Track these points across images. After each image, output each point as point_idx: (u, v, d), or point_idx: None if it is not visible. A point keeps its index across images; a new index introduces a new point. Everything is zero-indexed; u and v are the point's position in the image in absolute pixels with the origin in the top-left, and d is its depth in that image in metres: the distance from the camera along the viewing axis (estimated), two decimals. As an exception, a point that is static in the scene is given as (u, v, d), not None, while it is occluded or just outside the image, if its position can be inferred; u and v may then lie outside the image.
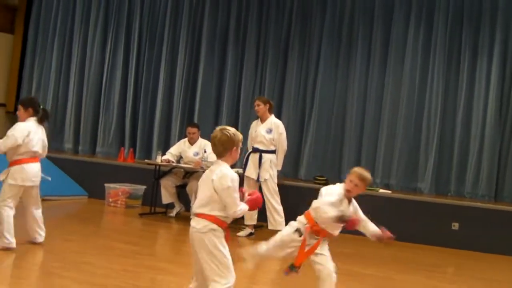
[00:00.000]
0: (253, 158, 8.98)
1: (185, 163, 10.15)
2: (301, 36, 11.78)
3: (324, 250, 5.06)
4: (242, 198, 4.44)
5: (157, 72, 12.70)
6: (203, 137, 10.14)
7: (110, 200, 10.69)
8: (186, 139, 10.43)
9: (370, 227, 5.25)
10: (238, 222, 8.80)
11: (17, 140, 6.60)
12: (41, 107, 6.92)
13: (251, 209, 4.48)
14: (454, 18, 10.87)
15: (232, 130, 4.43)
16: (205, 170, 4.53)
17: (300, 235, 5.00)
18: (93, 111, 13.12)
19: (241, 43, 12.19)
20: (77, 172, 11.55)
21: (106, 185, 10.77)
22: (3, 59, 13.97)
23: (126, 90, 12.92)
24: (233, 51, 12.18)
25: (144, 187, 10.86)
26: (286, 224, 5.36)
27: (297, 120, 11.66)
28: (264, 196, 8.86)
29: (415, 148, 10.93)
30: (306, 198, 5.42)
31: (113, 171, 11.40)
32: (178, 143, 10.62)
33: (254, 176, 8.89)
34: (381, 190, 10.32)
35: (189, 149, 10.24)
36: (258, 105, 9.08)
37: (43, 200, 9.96)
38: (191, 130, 10.29)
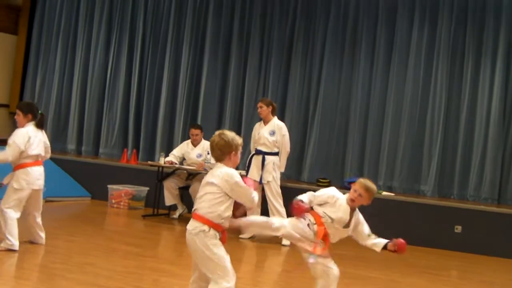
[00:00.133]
0: (256, 160, 8.97)
1: (188, 165, 10.15)
2: (305, 37, 11.78)
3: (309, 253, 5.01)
4: None
5: (160, 73, 12.70)
6: (206, 138, 10.13)
7: (113, 201, 10.70)
8: (189, 140, 10.43)
9: (375, 241, 5.17)
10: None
11: (20, 147, 6.66)
12: (40, 112, 6.97)
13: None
14: (458, 18, 10.87)
15: (230, 134, 4.46)
16: (208, 172, 4.55)
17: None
18: (96, 112, 13.12)
19: (244, 44, 12.19)
20: (80, 174, 11.55)
21: (109, 186, 10.78)
22: (7, 60, 13.98)
23: (129, 91, 12.92)
24: (237, 52, 12.18)
25: (147, 188, 10.86)
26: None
27: (300, 122, 11.66)
28: (267, 198, 8.88)
29: (418, 151, 10.92)
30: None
31: (116, 173, 11.41)
32: (181, 144, 10.62)
33: (257, 178, 8.86)
34: (384, 193, 10.31)
35: (192, 151, 10.24)
36: (261, 107, 9.08)
37: (46, 201, 10.04)
38: (194, 131, 10.29)
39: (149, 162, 10.89)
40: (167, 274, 6.31)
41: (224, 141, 4.40)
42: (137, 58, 12.88)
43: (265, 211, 8.96)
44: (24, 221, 6.86)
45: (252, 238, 8.93)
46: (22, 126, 6.83)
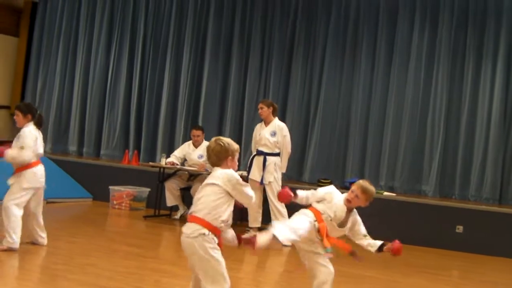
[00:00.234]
0: (258, 161, 8.98)
1: (190, 166, 10.16)
2: (306, 39, 11.79)
3: (320, 249, 5.02)
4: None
5: (161, 75, 12.72)
6: (207, 139, 10.14)
7: (115, 202, 10.71)
8: (190, 141, 10.44)
9: (370, 242, 5.13)
10: (242, 225, 8.82)
11: (32, 147, 6.77)
12: (38, 112, 7.03)
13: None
14: (459, 20, 10.87)
15: (226, 140, 4.42)
16: (209, 173, 4.53)
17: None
18: (97, 113, 13.14)
19: (245, 46, 12.21)
20: (82, 175, 11.57)
21: (110, 187, 10.78)
22: (8, 61, 14.00)
23: (130, 93, 12.94)
24: (238, 54, 12.19)
25: (148, 189, 10.88)
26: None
27: (302, 123, 11.67)
28: (269, 199, 8.90)
29: (420, 151, 10.92)
30: (310, 200, 5.40)
31: (118, 174, 11.42)
32: (183, 145, 10.62)
33: (259, 179, 8.88)
34: (386, 193, 10.32)
35: (194, 152, 10.24)
36: (262, 108, 9.09)
37: (47, 202, 10.05)
38: (195, 132, 10.31)
39: (151, 163, 10.90)
40: (168, 275, 6.32)
41: (220, 147, 4.36)
42: (138, 59, 12.90)
43: (266, 212, 8.97)
44: (25, 222, 6.87)
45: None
46: (22, 126, 6.87)
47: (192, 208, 4.33)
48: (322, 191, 5.12)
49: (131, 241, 8.15)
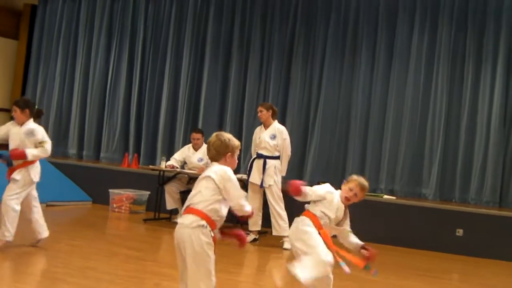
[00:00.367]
0: (257, 164, 8.97)
1: (190, 169, 10.15)
2: (305, 42, 11.80)
3: None
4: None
5: (161, 78, 12.73)
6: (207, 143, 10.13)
7: (114, 205, 10.70)
8: (190, 145, 10.44)
9: (353, 239, 5.14)
10: (243, 228, 8.79)
11: (49, 140, 6.97)
12: (36, 107, 7.09)
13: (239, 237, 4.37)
14: (458, 23, 10.88)
15: (227, 135, 4.35)
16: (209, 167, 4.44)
17: None
18: (97, 116, 13.15)
19: (245, 49, 12.22)
20: (81, 178, 11.57)
21: (110, 190, 10.78)
22: (8, 64, 14.02)
23: (130, 96, 12.95)
24: (237, 57, 12.20)
25: (148, 192, 10.87)
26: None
27: (301, 126, 11.67)
28: (269, 202, 8.88)
29: (420, 154, 10.92)
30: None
31: (117, 177, 11.41)
32: (183, 148, 10.62)
33: (258, 182, 8.88)
34: (386, 196, 10.31)
35: (194, 155, 10.24)
36: (261, 111, 9.08)
37: (47, 206, 10.06)
38: (195, 135, 10.30)
39: (150, 166, 10.90)
40: (168, 278, 6.30)
41: (221, 141, 4.30)
42: (137, 63, 12.92)
43: (266, 215, 8.96)
44: (24, 221, 6.96)
45: (254, 241, 8.93)
46: (21, 122, 6.92)
47: (189, 201, 4.25)
48: (322, 190, 5.09)
49: (131, 244, 8.14)
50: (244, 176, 9.22)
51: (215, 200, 4.16)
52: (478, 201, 10.49)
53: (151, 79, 12.81)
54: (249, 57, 12.15)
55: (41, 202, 7.25)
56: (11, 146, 6.91)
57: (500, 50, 10.60)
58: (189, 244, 4.08)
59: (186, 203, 4.27)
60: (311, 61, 11.75)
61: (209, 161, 9.31)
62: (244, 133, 11.72)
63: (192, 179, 10.19)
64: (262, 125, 9.15)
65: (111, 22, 13.31)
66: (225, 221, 4.34)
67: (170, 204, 10.12)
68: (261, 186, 8.87)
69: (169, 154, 11.14)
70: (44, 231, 7.20)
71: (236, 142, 4.36)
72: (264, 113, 9.03)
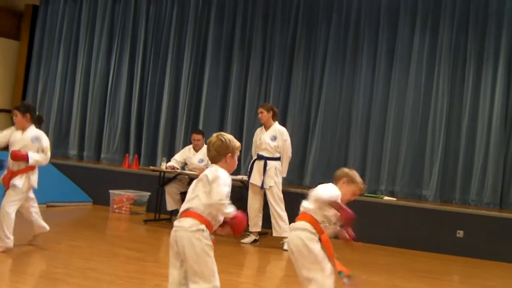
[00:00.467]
0: (258, 165, 8.97)
1: (190, 170, 10.16)
2: (307, 43, 11.80)
3: None
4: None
5: (162, 79, 12.73)
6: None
7: (115, 206, 10.70)
8: (191, 146, 10.45)
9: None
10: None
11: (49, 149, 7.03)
12: (37, 113, 7.12)
13: (236, 221, 4.17)
14: (460, 24, 10.87)
15: (228, 136, 4.30)
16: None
17: None
18: (98, 117, 13.15)
19: (246, 50, 12.21)
20: (82, 179, 11.57)
21: (110, 191, 10.78)
22: (9, 65, 14.02)
23: (131, 97, 12.95)
24: (239, 58, 12.20)
25: (148, 193, 10.87)
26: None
27: (302, 127, 11.66)
28: (269, 203, 8.88)
29: (420, 155, 10.91)
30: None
31: (118, 178, 11.41)
32: (183, 149, 10.63)
33: (259, 183, 8.88)
34: (386, 198, 10.31)
35: (194, 156, 10.24)
36: (261, 113, 9.08)
37: (47, 206, 10.08)
38: (196, 137, 10.30)
39: (151, 167, 10.90)
40: (169, 279, 6.30)
41: (221, 141, 4.24)
42: (138, 64, 12.92)
43: (267, 216, 8.97)
44: (26, 223, 7.03)
45: (254, 242, 8.94)
46: (22, 127, 6.93)
47: (186, 205, 4.20)
48: (333, 195, 4.60)
49: (131, 245, 8.15)
50: (245, 178, 9.22)
51: (209, 202, 4.12)
52: (479, 203, 10.48)
53: (152, 80, 12.81)
54: (250, 58, 12.15)
55: (41, 203, 7.29)
56: (13, 149, 6.92)
57: (501, 51, 10.59)
58: (189, 248, 4.06)
59: (184, 206, 4.22)
60: (312, 62, 11.75)
61: (209, 162, 9.37)
62: (244, 134, 11.72)
63: (192, 180, 10.18)
64: (263, 126, 9.15)
65: (112, 23, 13.32)
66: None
67: (170, 205, 10.12)
68: (262, 187, 8.88)
69: (169, 155, 11.13)
70: (45, 226, 7.26)
71: (236, 143, 4.31)
72: (264, 114, 9.03)
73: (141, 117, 12.87)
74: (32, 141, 6.86)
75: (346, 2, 11.60)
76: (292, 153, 9.28)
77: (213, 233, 4.19)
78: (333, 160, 11.39)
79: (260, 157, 8.98)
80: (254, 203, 8.96)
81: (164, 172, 10.12)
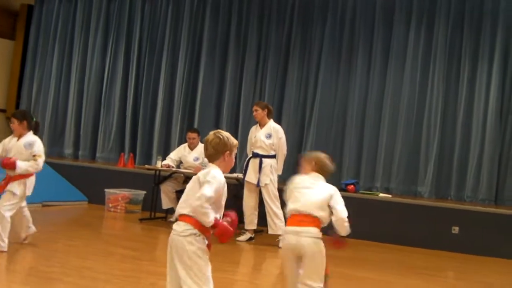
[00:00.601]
0: (253, 163, 8.98)
1: (185, 168, 10.16)
2: (302, 41, 11.81)
3: None
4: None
5: (157, 78, 12.73)
6: (203, 142, 10.09)
7: (110, 205, 10.70)
8: (186, 144, 10.44)
9: None
10: (239, 227, 8.79)
11: (43, 156, 7.00)
12: (34, 119, 7.10)
13: (217, 233, 4.05)
14: (455, 22, 10.90)
15: (226, 134, 4.24)
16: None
17: None
18: (93, 116, 13.15)
19: (241, 49, 12.22)
20: (77, 178, 11.56)
21: (106, 190, 10.77)
22: (4, 65, 14.01)
23: (126, 96, 12.95)
24: (234, 56, 12.21)
25: (144, 192, 10.87)
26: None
27: (297, 125, 11.68)
28: (265, 201, 8.88)
29: (415, 152, 10.94)
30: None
31: (113, 177, 11.41)
32: (178, 148, 10.62)
33: (254, 181, 8.88)
34: (381, 194, 10.33)
35: (189, 154, 10.24)
36: (256, 110, 9.08)
37: (43, 206, 10.07)
38: (191, 135, 10.30)
39: (146, 166, 10.90)
40: (164, 278, 6.21)
41: (219, 139, 4.17)
42: (133, 62, 12.92)
43: (262, 214, 8.97)
44: (17, 223, 7.05)
45: (249, 240, 8.94)
46: (19, 134, 6.95)
47: (180, 205, 4.13)
48: (341, 205, 4.69)
49: (127, 244, 8.15)
50: (240, 175, 9.23)
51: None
52: (474, 199, 10.51)
53: (147, 78, 12.81)
54: (245, 56, 12.16)
55: (37, 202, 7.28)
56: (1, 154, 6.94)
57: (496, 49, 10.62)
58: (182, 251, 4.03)
59: (178, 210, 4.14)
60: (307, 60, 11.76)
61: (205, 160, 9.38)
62: (240, 132, 11.72)
63: (188, 179, 10.19)
64: (258, 124, 9.15)
65: (107, 21, 13.31)
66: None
67: (166, 203, 10.12)
68: (258, 185, 8.88)
69: (165, 154, 11.14)
70: (32, 226, 7.28)
71: (234, 140, 4.26)
72: (259, 112, 9.03)
73: (136, 116, 12.87)
74: (25, 147, 6.86)
75: (341, 1, 11.63)
76: (288, 150, 9.29)
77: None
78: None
79: (255, 155, 8.98)
80: (249, 201, 8.96)
81: (160, 170, 10.12)
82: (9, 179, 6.83)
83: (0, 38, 13.85)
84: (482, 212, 9.51)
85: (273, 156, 8.99)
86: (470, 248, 9.29)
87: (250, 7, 12.19)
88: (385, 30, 11.31)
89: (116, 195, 10.74)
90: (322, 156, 5.09)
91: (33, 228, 7.30)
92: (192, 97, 12.43)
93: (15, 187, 6.79)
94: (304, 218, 4.67)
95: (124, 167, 11.75)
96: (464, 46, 10.85)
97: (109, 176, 11.47)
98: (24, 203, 7.11)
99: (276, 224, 8.79)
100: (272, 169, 8.93)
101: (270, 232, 8.86)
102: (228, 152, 4.20)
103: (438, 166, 10.81)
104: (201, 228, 4.02)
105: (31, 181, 6.93)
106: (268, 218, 8.86)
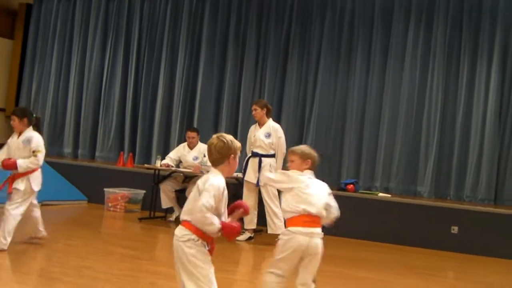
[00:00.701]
0: (253, 162, 8.97)
1: (185, 168, 10.15)
2: (301, 40, 11.81)
3: None
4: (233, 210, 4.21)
5: (156, 77, 12.72)
6: (202, 141, 10.13)
7: (110, 204, 10.70)
8: (185, 143, 10.44)
9: None
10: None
11: (44, 151, 6.96)
12: (34, 115, 7.08)
13: (225, 234, 4.05)
14: (454, 20, 10.90)
15: (229, 137, 4.23)
16: (204, 175, 4.34)
17: None
18: (92, 115, 13.15)
19: (240, 47, 12.21)
20: (77, 177, 11.55)
21: (105, 189, 10.77)
22: (3, 64, 14.00)
23: (125, 95, 12.94)
24: (233, 55, 12.20)
25: (143, 191, 10.87)
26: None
27: (297, 124, 11.68)
28: (264, 201, 8.87)
29: (415, 152, 10.94)
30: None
31: (113, 176, 11.40)
32: (178, 147, 10.62)
33: (254, 181, 8.88)
34: (381, 194, 10.33)
35: (189, 154, 10.24)
36: (255, 110, 9.07)
37: (42, 205, 10.05)
38: (190, 134, 10.30)
39: (146, 165, 10.89)
40: (164, 277, 6.30)
41: (224, 143, 4.15)
42: (133, 61, 12.91)
43: (262, 214, 8.97)
44: (25, 220, 7.02)
45: (249, 239, 8.94)
46: (20, 130, 6.91)
47: (183, 216, 4.11)
48: (334, 202, 4.94)
49: (126, 243, 8.14)
50: (240, 175, 9.22)
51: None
52: (473, 198, 10.51)
53: (146, 78, 12.81)
54: (244, 55, 12.15)
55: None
56: (8, 155, 6.93)
57: (495, 48, 10.62)
58: (182, 255, 4.02)
59: (181, 215, 4.14)
60: (306, 59, 11.76)
61: (204, 159, 9.40)
62: (239, 131, 11.72)
63: (187, 178, 10.19)
64: (257, 123, 9.15)
65: (106, 20, 13.31)
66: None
67: (165, 202, 10.12)
68: (257, 184, 8.88)
69: (164, 153, 11.14)
70: (43, 231, 7.27)
71: (238, 143, 4.25)
72: (258, 111, 9.03)
73: (135, 115, 12.86)
74: (23, 143, 6.86)
75: (340, 0, 11.61)
76: (287, 149, 9.26)
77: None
78: (328, 157, 11.40)
79: (254, 154, 8.98)
80: (249, 200, 8.94)
81: (159, 170, 10.11)
82: (14, 178, 6.84)
83: (-1, 37, 13.87)
84: (481, 212, 9.51)
85: (273, 156, 8.98)
86: (469, 248, 9.29)
87: (249, 6, 12.18)
88: (384, 30, 11.30)
89: (115, 194, 10.73)
90: (315, 154, 5.15)
91: (43, 233, 7.29)
92: (192, 96, 12.43)
93: (18, 183, 6.81)
94: (315, 219, 4.74)
95: (124, 167, 11.75)
96: (463, 45, 10.85)
97: (109, 175, 11.46)
98: (35, 201, 7.11)
99: (275, 223, 8.78)
100: (271, 168, 8.91)
101: (269, 231, 8.86)
102: (232, 155, 4.18)
103: (438, 166, 10.81)
104: (202, 235, 4.01)
105: (35, 177, 6.90)
106: (268, 218, 8.86)
